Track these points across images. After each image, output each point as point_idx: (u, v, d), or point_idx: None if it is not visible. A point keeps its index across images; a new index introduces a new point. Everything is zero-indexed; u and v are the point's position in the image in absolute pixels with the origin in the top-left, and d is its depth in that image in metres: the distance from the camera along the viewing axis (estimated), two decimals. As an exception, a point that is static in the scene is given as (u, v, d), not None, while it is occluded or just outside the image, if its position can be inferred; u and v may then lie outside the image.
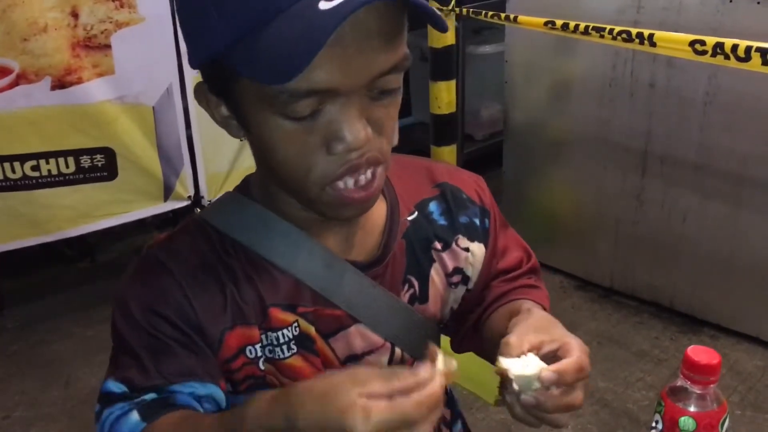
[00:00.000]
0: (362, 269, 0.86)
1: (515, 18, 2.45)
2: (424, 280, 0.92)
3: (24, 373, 2.58)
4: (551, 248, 2.97)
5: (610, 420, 2.23)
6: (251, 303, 0.82)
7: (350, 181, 0.75)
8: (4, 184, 2.50)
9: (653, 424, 0.83)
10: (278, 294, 0.83)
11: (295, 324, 0.84)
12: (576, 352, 0.72)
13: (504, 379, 0.72)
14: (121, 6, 2.47)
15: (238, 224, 0.84)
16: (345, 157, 0.72)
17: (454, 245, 0.95)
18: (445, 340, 1.05)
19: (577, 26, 2.19)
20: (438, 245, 0.94)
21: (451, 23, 2.72)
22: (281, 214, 0.84)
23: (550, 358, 0.73)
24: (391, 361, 0.90)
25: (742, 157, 2.35)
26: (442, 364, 0.64)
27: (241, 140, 0.81)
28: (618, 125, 2.63)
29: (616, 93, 2.60)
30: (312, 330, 0.85)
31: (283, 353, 0.84)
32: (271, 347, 0.83)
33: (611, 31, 2.10)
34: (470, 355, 1.02)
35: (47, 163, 2.53)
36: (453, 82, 2.91)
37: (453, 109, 2.96)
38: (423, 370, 0.62)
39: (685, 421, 0.79)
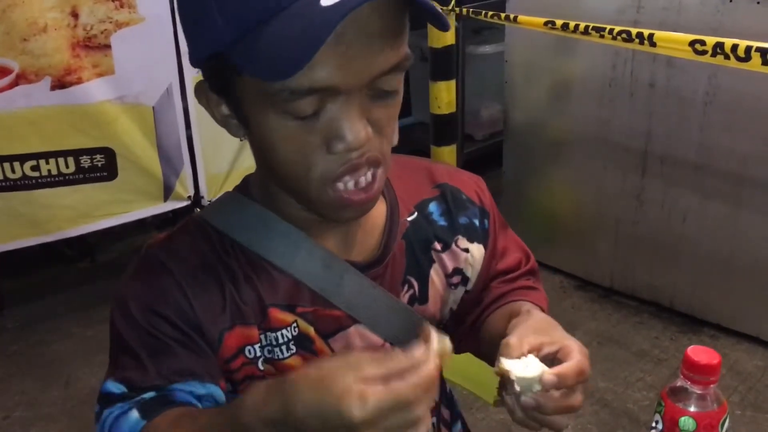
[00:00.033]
0: (362, 270, 0.86)
1: (515, 18, 2.45)
2: (424, 281, 0.92)
3: (24, 373, 2.58)
4: (551, 248, 2.97)
5: (610, 420, 2.23)
6: (250, 303, 0.82)
7: (350, 183, 0.74)
8: (4, 184, 2.50)
9: (653, 425, 0.83)
10: (277, 294, 0.83)
11: (294, 324, 0.84)
12: (576, 355, 0.72)
13: (504, 380, 0.72)
14: (121, 6, 2.47)
15: (238, 224, 0.84)
16: (345, 157, 0.72)
17: (453, 246, 0.95)
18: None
19: (577, 26, 2.19)
20: (438, 246, 0.94)
21: (451, 23, 2.72)
22: (281, 214, 0.84)
23: (549, 360, 0.73)
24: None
25: (742, 157, 2.35)
26: (437, 344, 0.64)
27: (241, 140, 0.81)
28: (618, 125, 2.63)
29: (616, 93, 2.59)
30: (311, 330, 0.85)
31: (282, 353, 0.84)
32: (270, 347, 0.83)
33: (611, 31, 2.10)
34: (470, 355, 1.02)
35: (47, 163, 2.53)
36: (453, 82, 2.91)
37: (453, 109, 2.96)
38: (417, 351, 0.62)
39: (686, 422, 0.79)
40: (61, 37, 2.40)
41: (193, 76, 2.58)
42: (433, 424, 0.98)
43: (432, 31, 2.79)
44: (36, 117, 2.46)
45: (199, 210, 2.68)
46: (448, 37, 2.80)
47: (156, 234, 0.87)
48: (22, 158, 2.49)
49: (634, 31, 2.04)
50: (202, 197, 2.82)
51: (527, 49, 2.84)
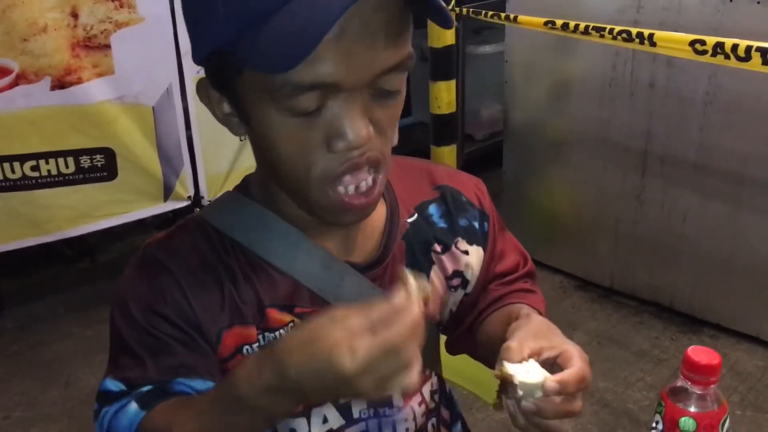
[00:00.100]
0: (361, 271, 0.86)
1: (515, 18, 2.46)
2: (424, 283, 0.92)
3: (24, 373, 2.58)
4: (551, 248, 2.97)
5: (610, 420, 2.23)
6: (249, 303, 0.82)
7: (351, 187, 0.74)
8: (4, 184, 2.50)
9: (653, 425, 0.82)
10: (276, 294, 0.83)
11: (292, 324, 0.84)
12: (577, 362, 0.73)
13: (505, 384, 0.72)
14: (121, 6, 2.47)
15: (238, 224, 0.84)
16: (345, 156, 0.72)
17: (453, 248, 0.95)
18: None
19: (577, 26, 2.19)
20: (438, 248, 0.93)
21: (451, 23, 2.72)
22: (281, 215, 0.84)
23: (549, 364, 0.73)
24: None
25: (742, 157, 2.35)
26: (415, 287, 0.64)
27: (241, 140, 0.81)
28: (618, 125, 2.63)
29: (616, 93, 2.59)
30: (310, 331, 0.85)
31: (280, 353, 0.84)
32: (268, 347, 0.83)
33: (611, 31, 2.10)
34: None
35: (47, 163, 2.53)
36: (453, 82, 2.91)
37: (453, 109, 2.96)
38: (398, 298, 0.63)
39: (686, 422, 0.79)
40: (61, 37, 2.40)
41: (193, 76, 2.58)
42: (432, 424, 0.98)
43: (432, 31, 2.79)
44: (36, 117, 2.46)
45: (198, 210, 2.69)
46: (448, 37, 2.80)
47: (155, 233, 0.87)
48: (22, 158, 2.49)
49: (634, 31, 2.05)
50: (202, 197, 2.82)
51: (527, 49, 2.84)
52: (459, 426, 1.05)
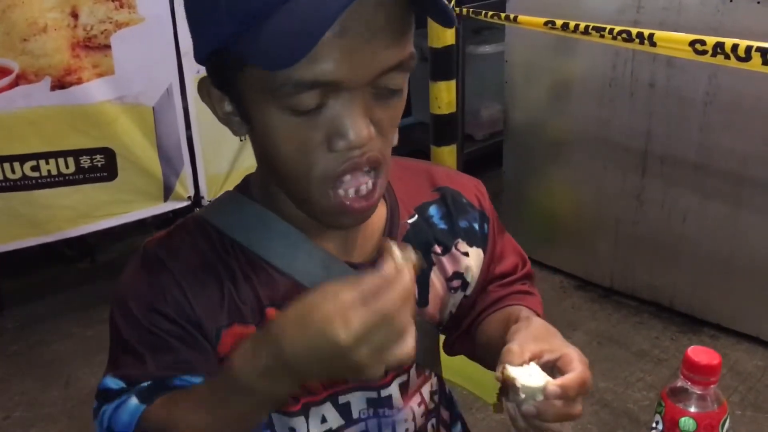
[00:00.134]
0: (361, 271, 0.86)
1: (515, 18, 2.46)
2: (424, 284, 0.92)
3: (24, 373, 2.58)
4: (551, 248, 2.97)
5: (610, 420, 2.23)
6: (248, 302, 0.82)
7: (351, 191, 0.74)
8: (4, 184, 2.50)
9: (653, 425, 0.82)
10: (276, 294, 0.83)
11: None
12: (578, 366, 0.73)
13: (506, 387, 0.72)
14: (121, 6, 2.47)
15: (238, 224, 0.84)
16: (346, 155, 0.72)
17: (453, 249, 0.94)
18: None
19: (577, 26, 2.19)
20: (438, 249, 0.93)
21: (451, 23, 2.72)
22: (281, 215, 0.84)
23: (549, 367, 0.73)
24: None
25: (742, 157, 2.35)
26: (401, 256, 0.65)
27: (241, 140, 0.81)
28: (618, 125, 2.63)
29: (616, 93, 2.59)
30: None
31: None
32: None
33: (611, 31, 2.10)
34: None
35: (47, 163, 2.53)
36: (453, 82, 2.91)
37: (453, 109, 2.96)
38: (387, 268, 0.63)
39: (686, 422, 0.79)
40: (61, 37, 2.40)
41: (193, 76, 2.58)
42: (432, 425, 0.98)
43: (432, 31, 2.79)
44: (36, 117, 2.46)
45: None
46: (448, 37, 2.80)
47: (155, 233, 0.87)
48: (22, 158, 2.49)
49: (634, 31, 2.05)
50: (202, 197, 2.82)
51: (527, 49, 2.84)
52: (459, 426, 1.05)
